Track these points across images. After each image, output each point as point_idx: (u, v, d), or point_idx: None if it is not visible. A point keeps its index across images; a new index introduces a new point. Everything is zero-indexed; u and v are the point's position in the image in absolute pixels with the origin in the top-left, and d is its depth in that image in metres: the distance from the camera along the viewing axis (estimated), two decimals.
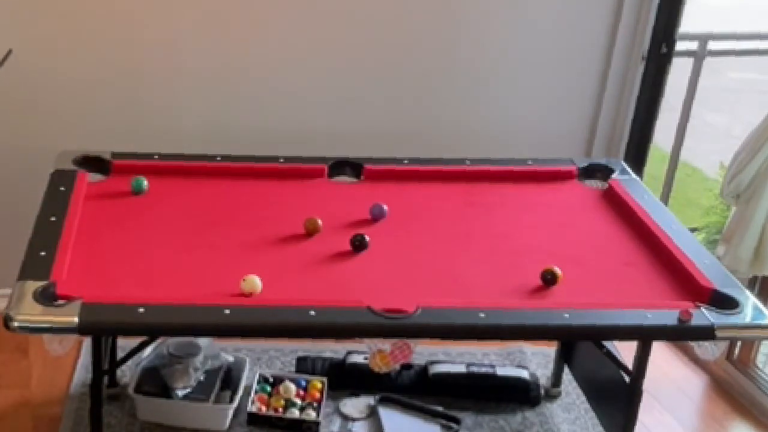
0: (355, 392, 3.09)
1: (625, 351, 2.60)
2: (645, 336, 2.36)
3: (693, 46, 3.58)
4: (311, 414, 2.92)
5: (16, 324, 2.02)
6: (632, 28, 3.52)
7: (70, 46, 3.26)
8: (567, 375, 3.14)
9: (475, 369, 3.15)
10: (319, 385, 3.05)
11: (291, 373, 3.14)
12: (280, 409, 2.93)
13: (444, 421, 2.96)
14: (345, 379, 3.11)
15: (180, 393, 2.86)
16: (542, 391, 3.15)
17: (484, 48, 3.51)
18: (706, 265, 2.45)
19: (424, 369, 3.14)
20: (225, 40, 3.35)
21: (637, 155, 3.66)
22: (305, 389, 3.04)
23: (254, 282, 2.22)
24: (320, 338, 3.05)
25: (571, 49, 3.55)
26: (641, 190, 2.90)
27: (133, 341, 2.48)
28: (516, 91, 3.59)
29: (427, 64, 3.49)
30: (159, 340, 2.91)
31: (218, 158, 2.94)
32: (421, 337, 2.30)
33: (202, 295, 2.18)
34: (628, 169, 3.06)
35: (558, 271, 2.36)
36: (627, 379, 2.54)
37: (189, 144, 3.13)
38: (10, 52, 1.99)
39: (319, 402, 2.98)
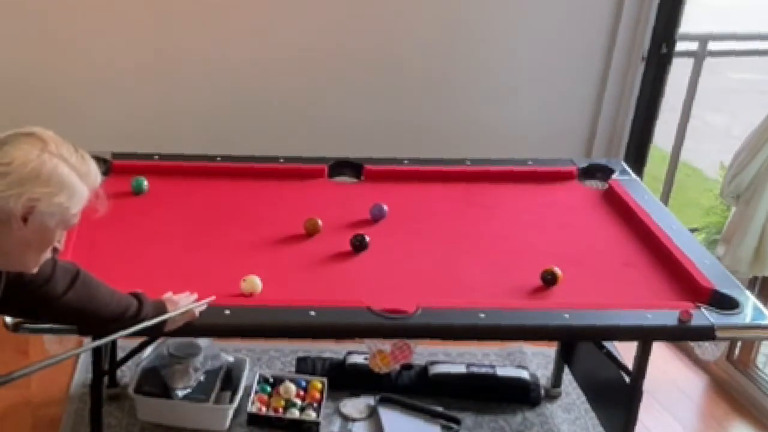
0: (355, 392, 3.09)
1: (625, 351, 2.60)
2: (645, 336, 2.35)
3: (693, 46, 3.58)
4: (311, 414, 2.92)
5: (16, 324, 2.02)
6: (632, 28, 3.52)
7: (70, 46, 3.26)
8: (567, 375, 3.14)
9: (475, 369, 3.14)
10: (319, 386, 3.05)
11: (291, 374, 3.13)
12: (280, 410, 2.93)
13: (444, 422, 2.95)
14: (345, 379, 3.11)
15: (180, 393, 2.86)
16: (542, 392, 3.14)
17: (485, 48, 3.51)
18: (706, 266, 2.45)
19: (424, 369, 3.14)
20: (225, 40, 3.35)
21: (637, 155, 3.66)
22: (305, 389, 3.04)
23: (254, 282, 2.22)
24: (320, 338, 3.05)
25: (571, 49, 3.55)
26: (641, 191, 2.90)
27: (133, 341, 2.48)
28: (516, 91, 3.59)
29: (427, 64, 3.49)
30: (159, 340, 2.90)
31: (218, 158, 2.94)
32: (421, 338, 2.29)
33: (202, 295, 2.18)
34: (628, 170, 3.05)
35: (558, 271, 2.36)
36: (627, 379, 2.54)
37: (189, 144, 3.13)
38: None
39: (319, 402, 2.98)
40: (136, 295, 2.00)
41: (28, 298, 1.77)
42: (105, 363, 2.52)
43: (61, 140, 1.62)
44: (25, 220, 1.57)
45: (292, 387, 3.00)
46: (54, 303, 1.83)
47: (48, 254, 1.68)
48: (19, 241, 1.59)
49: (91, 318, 1.93)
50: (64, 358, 1.82)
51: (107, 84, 3.33)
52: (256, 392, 2.99)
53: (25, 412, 2.94)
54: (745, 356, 3.33)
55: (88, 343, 1.96)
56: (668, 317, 2.21)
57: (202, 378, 2.92)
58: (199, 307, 2.08)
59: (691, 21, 3.57)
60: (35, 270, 1.69)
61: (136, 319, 1.96)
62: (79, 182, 1.61)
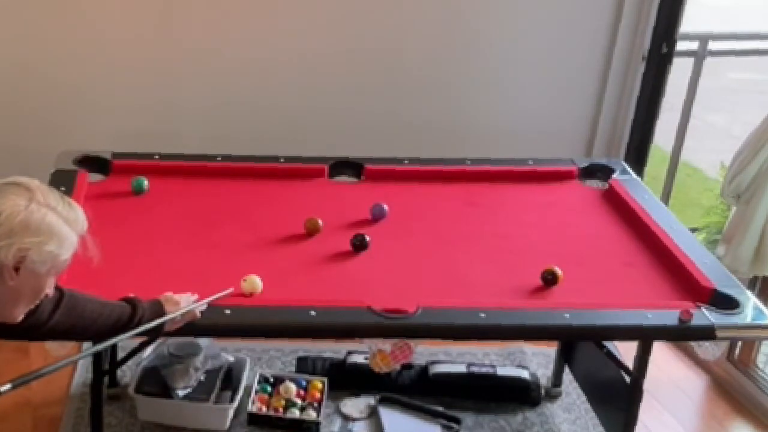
0: (356, 392, 3.09)
1: (626, 351, 2.60)
2: (645, 336, 2.36)
3: (693, 46, 3.58)
4: (312, 414, 2.92)
5: None
6: (632, 28, 3.52)
7: (70, 46, 3.26)
8: (567, 375, 3.14)
9: (475, 369, 3.14)
10: (320, 385, 3.05)
11: (291, 373, 3.13)
12: (281, 409, 2.93)
13: (444, 421, 2.95)
14: (345, 379, 3.11)
15: (180, 393, 2.86)
16: (542, 391, 3.14)
17: (485, 48, 3.51)
18: (707, 265, 2.45)
19: (425, 369, 3.14)
20: (225, 40, 3.35)
21: (637, 155, 3.66)
22: (306, 389, 3.04)
23: (255, 282, 2.22)
24: (321, 338, 3.05)
25: (571, 48, 3.55)
26: (642, 190, 2.90)
27: (134, 341, 2.47)
28: (516, 91, 3.59)
29: (427, 64, 3.49)
30: (159, 340, 2.90)
31: (218, 158, 2.94)
32: (421, 337, 2.30)
33: (202, 295, 2.17)
34: (629, 169, 3.05)
35: (558, 271, 2.36)
36: (627, 379, 2.54)
37: (189, 144, 3.13)
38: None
39: (320, 402, 2.98)
40: (129, 301, 2.00)
41: (17, 330, 1.78)
42: (105, 363, 2.52)
43: (48, 188, 1.65)
44: (16, 269, 1.59)
45: (293, 387, 3.00)
46: (41, 329, 1.84)
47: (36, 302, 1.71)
48: (12, 291, 1.62)
49: (82, 333, 1.95)
50: (64, 365, 1.82)
51: (107, 83, 3.32)
52: (257, 392, 2.99)
53: (25, 412, 2.94)
54: (745, 356, 3.34)
55: (88, 347, 1.96)
56: (668, 317, 2.21)
57: (202, 378, 2.92)
58: (200, 306, 2.08)
59: (691, 21, 3.57)
60: (20, 320, 1.71)
61: (131, 324, 1.96)
62: (67, 229, 1.64)
